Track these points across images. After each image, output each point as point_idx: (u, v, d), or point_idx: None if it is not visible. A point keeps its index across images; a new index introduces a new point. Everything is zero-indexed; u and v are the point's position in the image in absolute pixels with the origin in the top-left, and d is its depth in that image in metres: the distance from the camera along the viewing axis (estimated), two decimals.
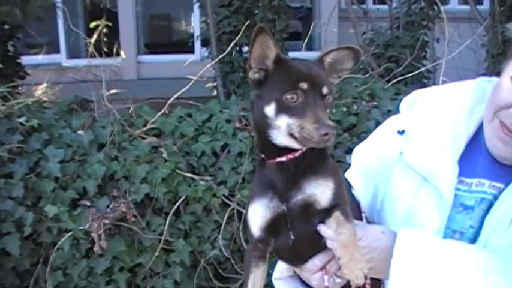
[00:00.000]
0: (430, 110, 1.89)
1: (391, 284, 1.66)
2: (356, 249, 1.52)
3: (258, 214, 1.62)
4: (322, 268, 1.67)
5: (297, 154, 1.58)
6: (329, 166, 1.65)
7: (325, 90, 1.53)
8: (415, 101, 1.95)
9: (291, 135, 1.50)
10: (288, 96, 1.49)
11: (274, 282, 1.96)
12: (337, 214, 1.55)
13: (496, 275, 1.56)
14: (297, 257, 1.72)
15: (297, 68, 1.54)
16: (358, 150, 2.10)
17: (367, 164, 2.02)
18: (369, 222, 1.82)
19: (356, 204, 1.80)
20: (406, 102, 1.99)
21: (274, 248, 1.68)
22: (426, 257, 1.63)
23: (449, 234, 1.75)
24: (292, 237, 1.62)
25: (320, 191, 1.58)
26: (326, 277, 1.66)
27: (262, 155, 1.64)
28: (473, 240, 1.72)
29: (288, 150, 1.57)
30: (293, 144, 1.53)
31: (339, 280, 1.65)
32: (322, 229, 1.60)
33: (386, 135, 1.99)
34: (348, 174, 2.02)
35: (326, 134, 1.43)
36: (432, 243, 1.67)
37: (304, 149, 1.57)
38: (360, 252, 1.53)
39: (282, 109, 1.50)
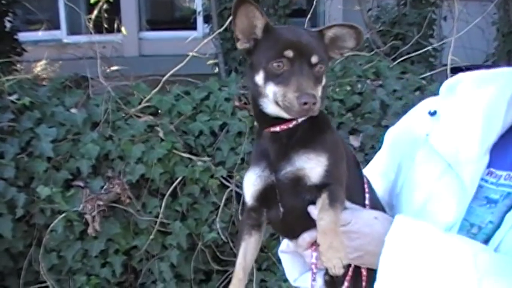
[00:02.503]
0: (468, 93, 1.74)
1: (379, 275, 1.53)
2: (336, 237, 1.42)
3: (251, 183, 1.61)
4: (313, 244, 1.58)
5: (291, 125, 1.53)
6: (326, 141, 1.57)
7: (314, 59, 1.47)
8: (457, 83, 1.81)
9: (277, 103, 1.47)
10: (274, 64, 1.46)
11: (281, 255, 1.91)
12: (324, 196, 1.48)
13: (495, 279, 1.42)
14: (289, 231, 1.68)
15: (283, 35, 1.51)
16: (391, 130, 2.02)
17: (396, 143, 1.93)
18: (374, 203, 1.69)
19: (360, 185, 1.70)
20: (447, 84, 1.85)
21: (268, 219, 1.65)
22: (420, 249, 1.50)
23: (465, 227, 1.60)
24: (281, 209, 1.58)
25: (310, 165, 1.52)
26: (315, 254, 1.58)
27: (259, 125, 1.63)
28: (490, 237, 1.57)
29: (282, 120, 1.53)
30: (281, 113, 1.49)
31: None
32: (311, 210, 1.54)
33: (417, 115, 1.88)
34: (379, 154, 1.97)
35: (306, 104, 1.39)
36: (430, 234, 1.53)
37: (300, 120, 1.52)
38: (341, 241, 1.43)
39: (269, 77, 1.48)
